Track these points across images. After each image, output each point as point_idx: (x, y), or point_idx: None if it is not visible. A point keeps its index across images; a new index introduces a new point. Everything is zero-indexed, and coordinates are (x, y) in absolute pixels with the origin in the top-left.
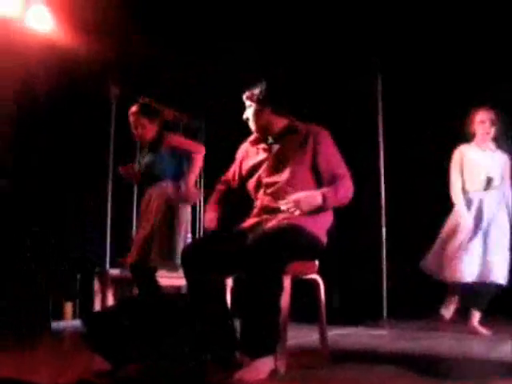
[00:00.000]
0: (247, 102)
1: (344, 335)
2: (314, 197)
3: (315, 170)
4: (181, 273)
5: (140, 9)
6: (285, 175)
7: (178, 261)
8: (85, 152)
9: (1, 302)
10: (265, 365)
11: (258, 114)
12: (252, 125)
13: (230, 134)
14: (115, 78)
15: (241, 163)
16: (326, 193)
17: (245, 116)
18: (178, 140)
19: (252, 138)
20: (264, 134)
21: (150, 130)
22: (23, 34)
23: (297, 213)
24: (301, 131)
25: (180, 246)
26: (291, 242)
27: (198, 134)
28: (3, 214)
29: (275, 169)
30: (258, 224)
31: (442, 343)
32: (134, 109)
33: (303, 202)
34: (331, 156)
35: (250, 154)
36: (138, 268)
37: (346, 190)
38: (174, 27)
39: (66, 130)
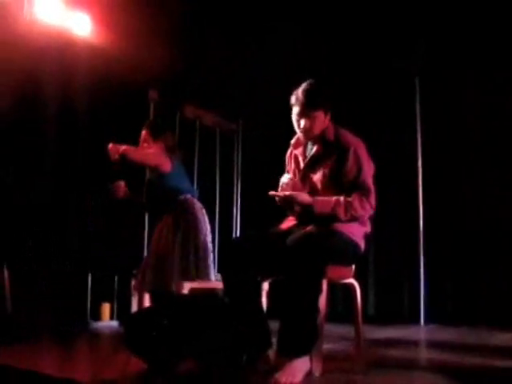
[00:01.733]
0: (297, 108)
1: (380, 340)
2: (302, 198)
3: (339, 181)
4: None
5: (177, 14)
6: (312, 185)
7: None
8: None
9: (42, 303)
10: (300, 367)
11: (313, 120)
12: (309, 131)
13: (266, 138)
14: (153, 82)
15: (289, 170)
16: (319, 201)
17: (297, 119)
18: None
19: (294, 140)
20: (310, 138)
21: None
22: (65, 40)
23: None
24: (333, 141)
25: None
26: (330, 245)
27: (235, 137)
28: (50, 217)
29: (305, 178)
30: (295, 226)
31: (482, 352)
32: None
33: (289, 198)
34: (354, 169)
35: (292, 157)
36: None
37: (350, 208)
38: (210, 31)
39: (104, 132)
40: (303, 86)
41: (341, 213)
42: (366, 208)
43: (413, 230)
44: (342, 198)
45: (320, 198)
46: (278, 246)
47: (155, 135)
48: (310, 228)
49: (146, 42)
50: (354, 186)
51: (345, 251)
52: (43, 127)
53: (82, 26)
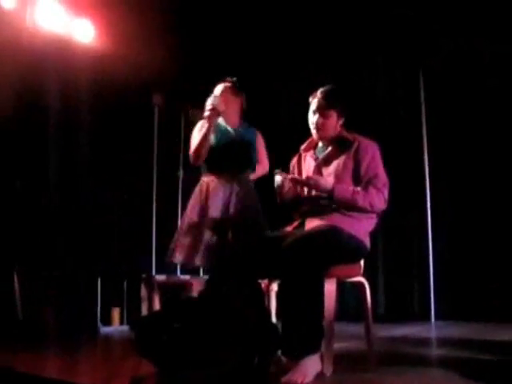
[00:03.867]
0: (314, 105)
1: (391, 338)
2: (325, 182)
3: (357, 178)
4: None
5: (182, 17)
6: (330, 179)
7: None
8: (129, 158)
9: (51, 308)
10: (310, 367)
11: (326, 119)
12: (321, 129)
13: (279, 142)
14: (157, 87)
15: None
16: (339, 187)
17: (312, 115)
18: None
19: (305, 145)
20: (322, 137)
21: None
22: (67, 47)
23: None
24: (350, 141)
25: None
26: (327, 243)
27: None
28: (58, 222)
29: (320, 173)
30: (300, 225)
31: (494, 348)
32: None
33: (313, 180)
34: (372, 165)
35: (300, 163)
36: None
37: (368, 197)
38: (216, 34)
39: (110, 137)
40: (323, 87)
41: (359, 200)
42: (381, 199)
43: (421, 226)
44: (359, 188)
45: (340, 185)
46: (276, 248)
47: (237, 90)
48: (310, 227)
49: (149, 47)
50: (370, 180)
51: (345, 249)
52: (47, 133)
53: (84, 33)
